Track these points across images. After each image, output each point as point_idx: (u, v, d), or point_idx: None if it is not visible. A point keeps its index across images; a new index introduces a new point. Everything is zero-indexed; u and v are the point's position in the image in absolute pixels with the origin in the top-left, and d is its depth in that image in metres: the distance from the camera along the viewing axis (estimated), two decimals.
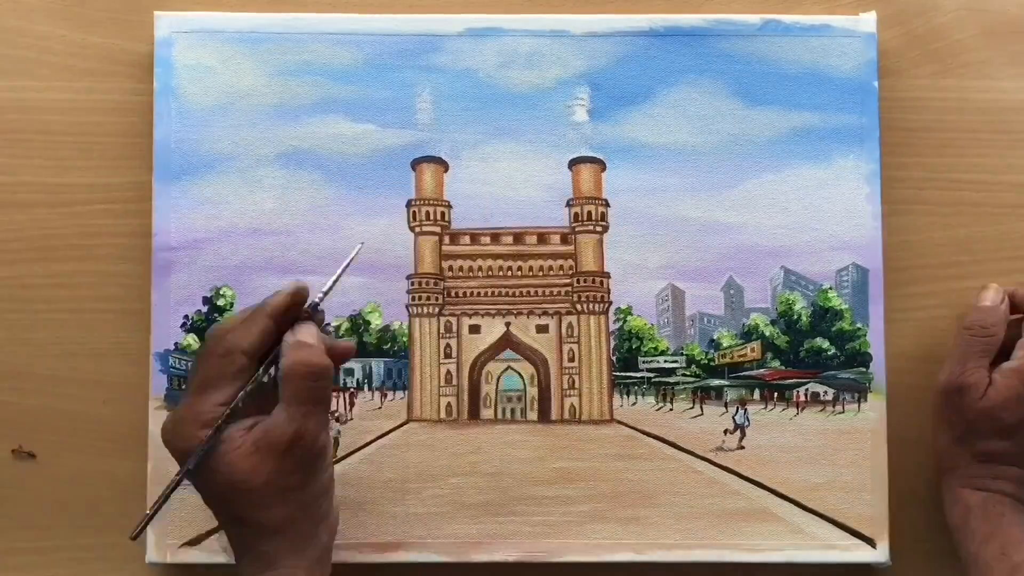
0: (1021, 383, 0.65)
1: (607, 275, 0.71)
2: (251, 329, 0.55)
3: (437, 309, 0.72)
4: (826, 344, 0.71)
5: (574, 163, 0.71)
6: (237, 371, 0.54)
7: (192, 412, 0.54)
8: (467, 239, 0.72)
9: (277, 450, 0.53)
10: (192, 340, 0.70)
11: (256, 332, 0.55)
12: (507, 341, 0.72)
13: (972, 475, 0.67)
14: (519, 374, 0.72)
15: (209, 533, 0.69)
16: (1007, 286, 0.69)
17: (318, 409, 0.55)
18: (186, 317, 0.70)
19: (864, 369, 0.71)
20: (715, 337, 0.72)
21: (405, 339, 0.72)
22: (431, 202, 0.71)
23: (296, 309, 0.57)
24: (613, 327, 0.71)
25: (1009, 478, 0.66)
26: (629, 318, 0.71)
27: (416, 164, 0.71)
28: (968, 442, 0.67)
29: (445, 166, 0.71)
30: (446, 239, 0.72)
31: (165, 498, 0.55)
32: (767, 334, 0.72)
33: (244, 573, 0.57)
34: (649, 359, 0.72)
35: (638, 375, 0.72)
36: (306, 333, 0.56)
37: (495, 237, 0.72)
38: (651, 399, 0.71)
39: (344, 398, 0.71)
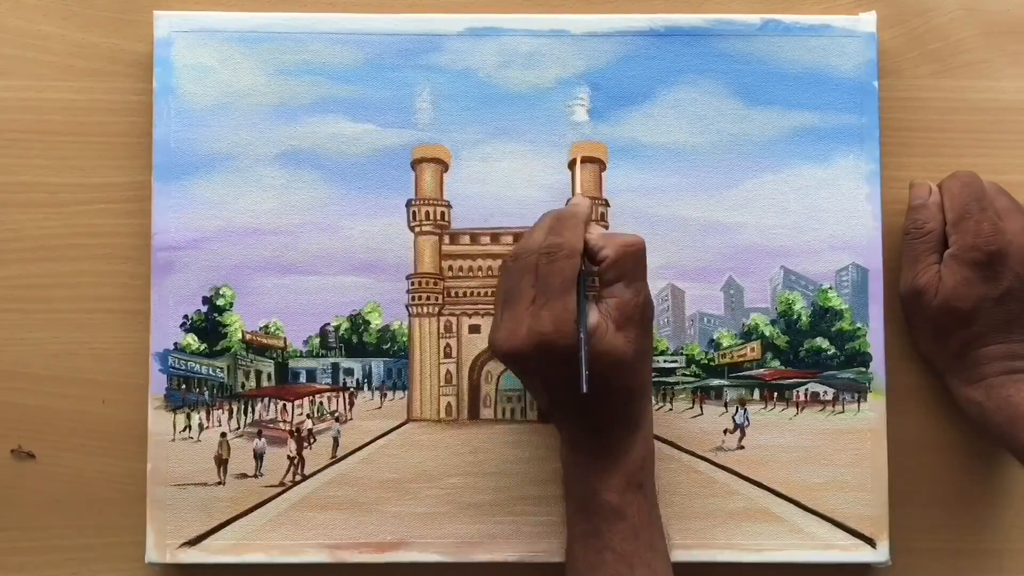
0: (963, 266, 0.66)
1: None
2: (578, 233, 0.61)
3: (437, 309, 0.72)
4: (826, 344, 0.71)
5: (574, 163, 0.71)
6: (579, 270, 0.61)
7: (565, 311, 0.59)
8: (467, 239, 0.72)
9: (633, 320, 0.61)
10: (192, 340, 0.70)
11: (581, 235, 0.62)
12: None
13: (963, 369, 0.68)
14: None
15: (208, 533, 0.69)
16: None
17: (646, 278, 0.62)
18: (186, 317, 0.70)
19: (864, 369, 0.71)
20: (715, 337, 0.72)
21: (405, 339, 0.72)
22: (431, 202, 0.71)
23: (591, 215, 0.65)
24: None
25: (995, 357, 0.67)
26: None
27: (416, 163, 0.71)
28: (941, 340, 0.68)
29: (445, 166, 0.71)
30: (446, 239, 0.71)
31: (586, 359, 0.59)
32: (767, 334, 0.72)
33: (608, 443, 0.62)
34: None
35: None
36: (601, 229, 0.65)
37: (495, 237, 0.71)
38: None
39: (344, 398, 0.71)
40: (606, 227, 0.71)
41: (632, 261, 0.62)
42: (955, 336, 0.67)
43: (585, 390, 0.58)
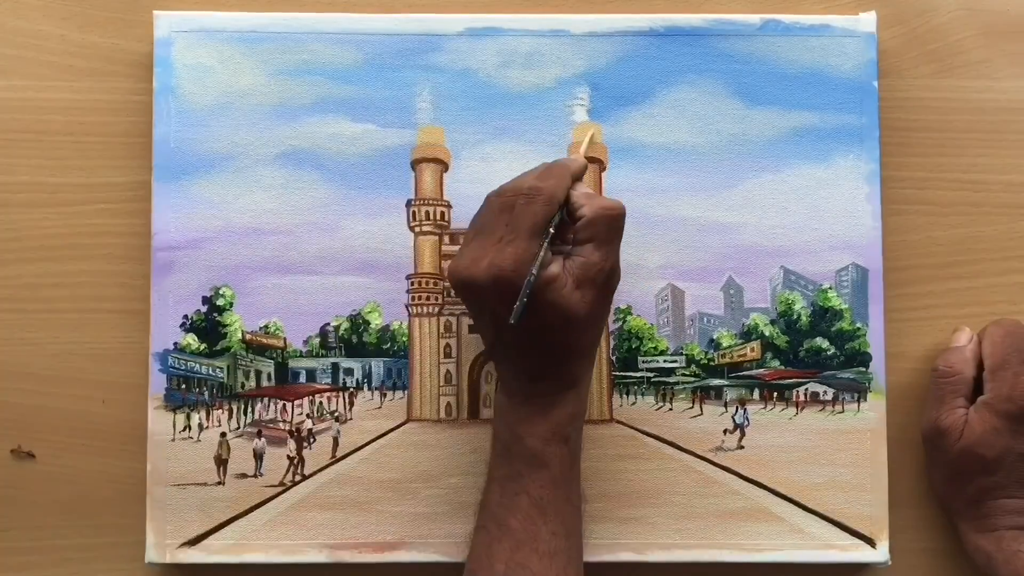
0: (994, 415, 0.66)
1: None
2: (562, 184, 0.62)
3: (437, 309, 0.72)
4: (826, 344, 0.71)
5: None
6: (552, 217, 0.61)
7: (528, 253, 0.59)
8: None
9: (595, 283, 0.61)
10: (192, 340, 0.70)
11: (565, 187, 0.62)
12: None
13: (976, 517, 0.67)
14: None
15: (208, 533, 0.69)
16: (979, 326, 0.70)
17: (618, 247, 0.63)
18: (186, 317, 0.70)
19: (864, 369, 0.71)
20: (715, 337, 0.72)
21: (405, 339, 0.72)
22: (431, 202, 0.71)
23: (582, 173, 0.65)
24: (613, 327, 0.71)
25: (1011, 511, 0.67)
26: (629, 318, 0.71)
27: (416, 163, 0.71)
28: (958, 484, 0.68)
29: (445, 166, 0.71)
30: (446, 239, 0.71)
31: (526, 294, 0.59)
32: (767, 334, 0.72)
33: (541, 392, 0.62)
34: (649, 359, 0.72)
35: (638, 375, 0.72)
36: (588, 188, 0.64)
37: None
38: (651, 399, 0.71)
39: (344, 398, 0.71)
40: None
41: (607, 225, 0.61)
42: (974, 483, 0.67)
43: (513, 322, 0.58)
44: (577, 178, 0.63)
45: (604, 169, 0.71)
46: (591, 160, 0.71)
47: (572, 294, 0.60)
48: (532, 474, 0.61)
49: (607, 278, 0.61)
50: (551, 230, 0.60)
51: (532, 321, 0.60)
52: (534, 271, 0.58)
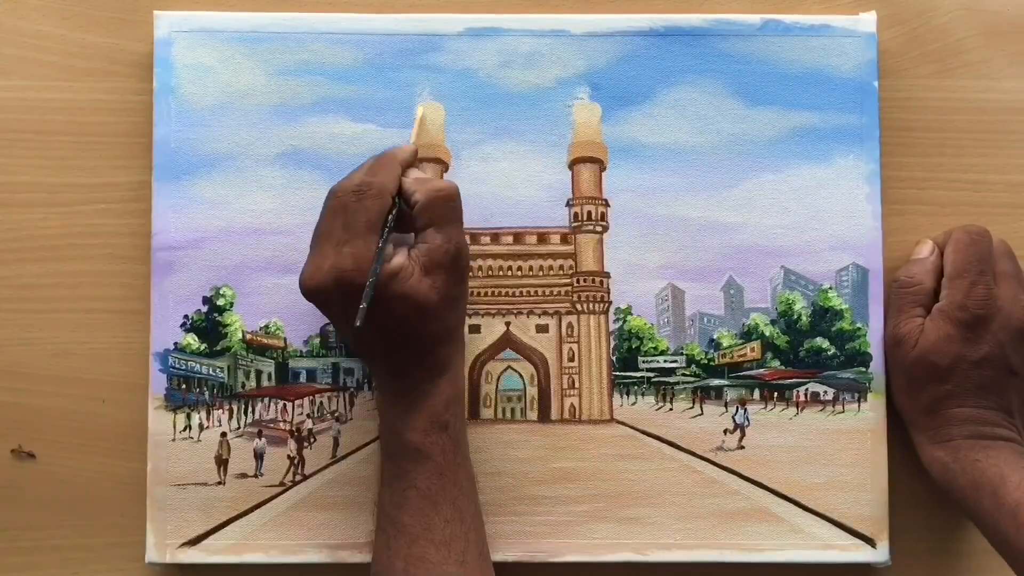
0: (947, 322, 0.66)
1: (607, 275, 0.71)
2: (391, 175, 0.62)
3: None
4: (826, 344, 0.71)
5: (574, 163, 0.71)
6: (387, 210, 0.61)
7: (367, 250, 0.60)
8: (467, 239, 0.71)
9: (443, 266, 0.61)
10: (192, 340, 0.70)
11: (394, 177, 0.62)
12: (507, 341, 0.72)
13: (931, 427, 0.67)
14: (519, 374, 0.72)
15: (208, 533, 0.69)
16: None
17: (460, 225, 0.63)
18: (186, 317, 0.70)
19: (864, 369, 0.71)
20: (715, 337, 0.72)
21: None
22: None
23: (413, 160, 0.65)
24: (613, 327, 0.71)
25: (964, 420, 0.66)
26: (629, 318, 0.71)
27: (416, 164, 0.71)
28: (914, 393, 0.68)
29: (445, 166, 0.71)
30: None
31: (369, 295, 0.59)
32: (767, 334, 0.72)
33: (413, 384, 0.63)
34: (649, 359, 0.72)
35: (638, 375, 0.72)
36: (420, 173, 0.65)
37: (495, 237, 0.72)
38: (651, 399, 0.71)
39: (344, 398, 0.71)
40: (605, 227, 0.71)
41: (442, 206, 0.61)
42: (928, 391, 0.67)
43: (358, 323, 0.58)
44: (408, 165, 0.63)
45: (604, 169, 0.71)
46: (591, 160, 0.71)
47: (421, 282, 0.60)
48: (416, 468, 0.62)
49: (454, 259, 0.61)
50: (389, 223, 0.60)
51: (386, 317, 0.60)
52: (376, 268, 0.58)
